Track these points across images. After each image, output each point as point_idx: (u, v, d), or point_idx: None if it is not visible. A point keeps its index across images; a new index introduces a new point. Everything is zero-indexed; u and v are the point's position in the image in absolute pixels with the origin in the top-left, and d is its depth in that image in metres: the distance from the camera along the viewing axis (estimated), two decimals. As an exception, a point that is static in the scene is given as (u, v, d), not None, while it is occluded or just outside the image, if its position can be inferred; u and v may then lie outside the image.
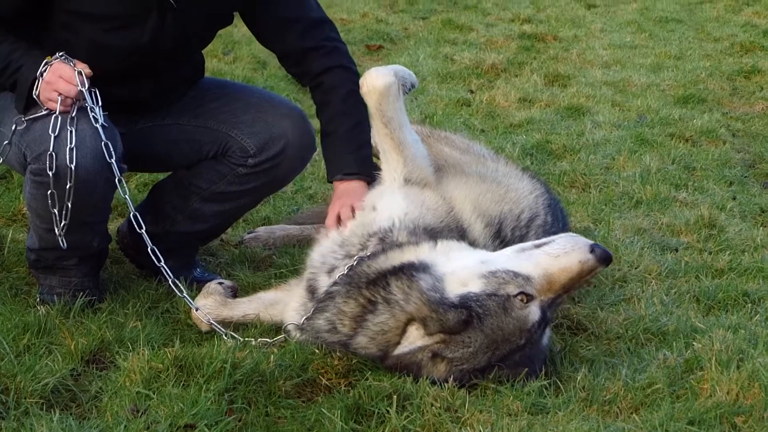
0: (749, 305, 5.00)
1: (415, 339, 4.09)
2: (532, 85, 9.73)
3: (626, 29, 12.65)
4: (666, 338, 4.58)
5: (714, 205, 6.47)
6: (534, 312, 4.07)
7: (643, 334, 4.62)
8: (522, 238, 4.67)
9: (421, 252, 4.28)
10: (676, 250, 5.75)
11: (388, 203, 4.58)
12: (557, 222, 4.96)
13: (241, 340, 4.37)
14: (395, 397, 3.82)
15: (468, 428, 3.68)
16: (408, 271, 4.16)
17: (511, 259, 4.20)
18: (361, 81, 4.73)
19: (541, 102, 9.10)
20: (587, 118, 8.63)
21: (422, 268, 4.17)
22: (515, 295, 4.05)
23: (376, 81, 4.65)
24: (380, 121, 4.68)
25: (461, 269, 4.16)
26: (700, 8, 13.87)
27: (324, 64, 4.91)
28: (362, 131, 4.86)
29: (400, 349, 4.10)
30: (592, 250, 4.10)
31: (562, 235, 4.28)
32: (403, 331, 4.11)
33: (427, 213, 4.54)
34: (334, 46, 4.98)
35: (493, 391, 3.98)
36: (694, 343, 4.37)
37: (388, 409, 3.78)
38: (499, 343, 4.03)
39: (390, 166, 4.73)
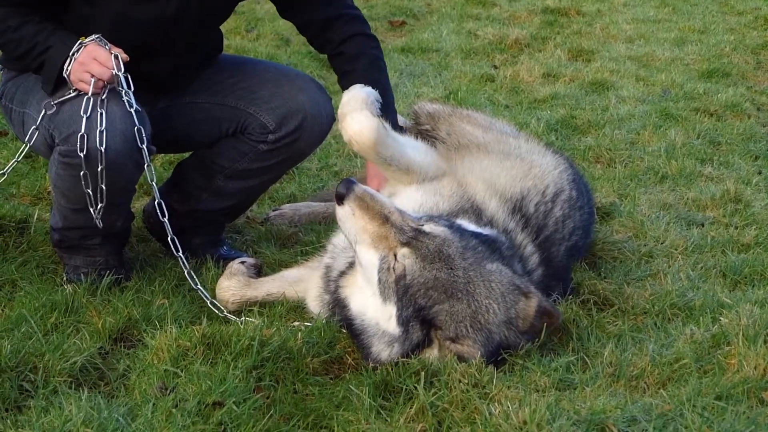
0: (776, 280, 4.98)
1: (430, 355, 4.03)
2: (556, 60, 9.70)
3: (649, 3, 12.58)
4: (693, 313, 4.56)
5: (739, 180, 6.45)
6: (408, 253, 4.00)
7: (669, 310, 4.61)
8: (547, 213, 4.67)
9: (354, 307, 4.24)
10: (702, 225, 5.73)
11: (403, 200, 4.49)
12: (582, 196, 4.96)
13: (255, 322, 4.35)
14: (423, 373, 3.82)
15: (496, 404, 3.66)
16: (361, 342, 4.15)
17: (362, 262, 4.13)
18: (348, 139, 4.53)
19: (565, 77, 9.07)
20: (611, 92, 8.60)
21: (361, 329, 4.14)
22: (393, 271, 4.01)
23: (363, 136, 4.46)
24: (383, 164, 4.59)
25: (375, 310, 4.09)
26: (724, -19, 13.80)
27: (346, 32, 4.99)
28: (385, 98, 4.79)
29: (433, 361, 4.02)
30: (347, 187, 4.08)
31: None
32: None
33: (442, 200, 4.51)
34: (354, 15, 5.06)
35: (520, 367, 3.99)
36: (721, 318, 4.36)
37: (416, 385, 3.77)
38: (447, 289, 3.96)
39: (402, 183, 4.66)
